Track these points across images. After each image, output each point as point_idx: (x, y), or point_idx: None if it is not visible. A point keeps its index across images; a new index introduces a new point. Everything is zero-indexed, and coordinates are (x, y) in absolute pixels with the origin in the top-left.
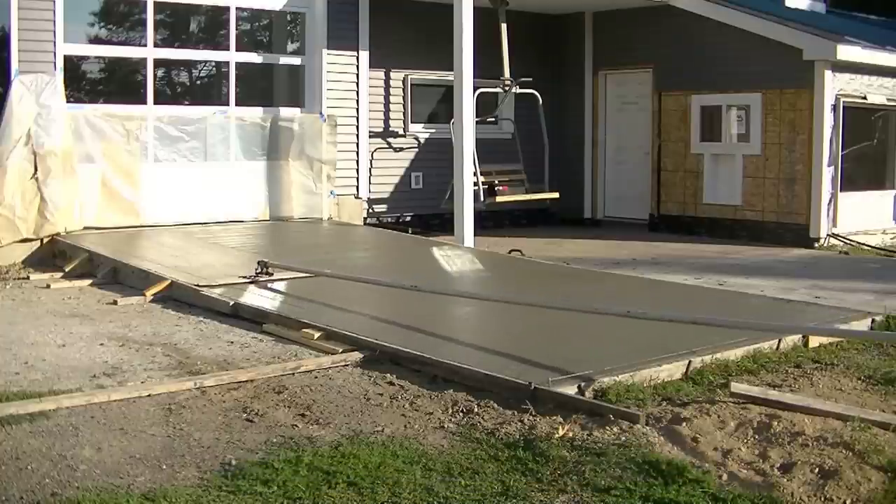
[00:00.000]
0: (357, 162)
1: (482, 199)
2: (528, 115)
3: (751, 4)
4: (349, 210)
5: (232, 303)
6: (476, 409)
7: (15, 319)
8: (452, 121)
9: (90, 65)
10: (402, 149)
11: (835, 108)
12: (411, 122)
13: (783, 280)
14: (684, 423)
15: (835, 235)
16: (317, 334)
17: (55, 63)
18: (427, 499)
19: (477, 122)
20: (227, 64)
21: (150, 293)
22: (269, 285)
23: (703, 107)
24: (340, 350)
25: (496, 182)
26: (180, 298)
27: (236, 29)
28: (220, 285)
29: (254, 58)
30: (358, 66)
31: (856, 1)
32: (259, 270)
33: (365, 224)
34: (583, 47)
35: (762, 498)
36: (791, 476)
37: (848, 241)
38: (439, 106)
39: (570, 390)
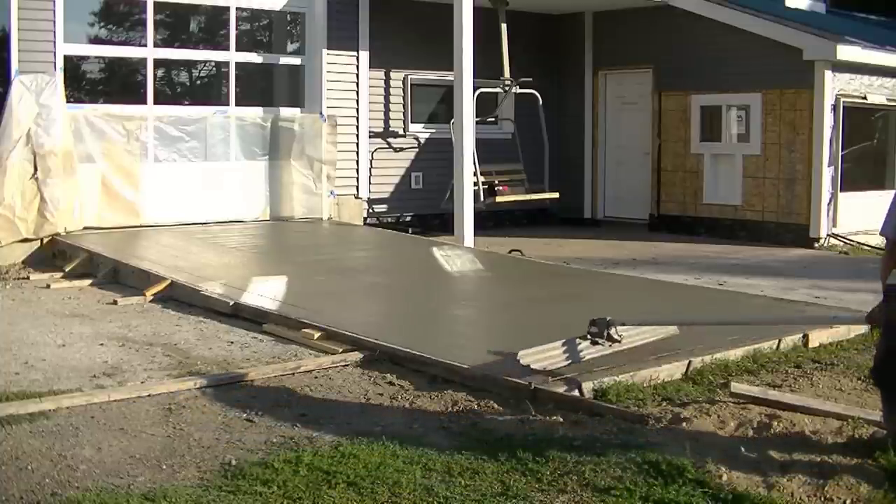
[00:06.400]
0: (357, 162)
1: (482, 199)
2: (528, 115)
3: (751, 4)
4: (349, 210)
5: (232, 303)
6: (476, 409)
7: (15, 319)
8: (452, 121)
9: (90, 65)
10: (402, 149)
11: (835, 108)
12: (411, 122)
13: (783, 280)
14: (684, 423)
15: (835, 235)
16: (317, 334)
17: (55, 63)
18: (427, 499)
19: (477, 122)
20: (227, 64)
21: (150, 293)
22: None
23: (703, 107)
24: (340, 350)
25: (496, 182)
26: (180, 298)
27: (236, 29)
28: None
29: (254, 58)
30: (358, 66)
31: (856, 1)
32: (596, 332)
33: (365, 224)
34: (583, 47)
35: (762, 498)
36: (791, 476)
37: (848, 241)
38: (439, 106)
39: (571, 390)
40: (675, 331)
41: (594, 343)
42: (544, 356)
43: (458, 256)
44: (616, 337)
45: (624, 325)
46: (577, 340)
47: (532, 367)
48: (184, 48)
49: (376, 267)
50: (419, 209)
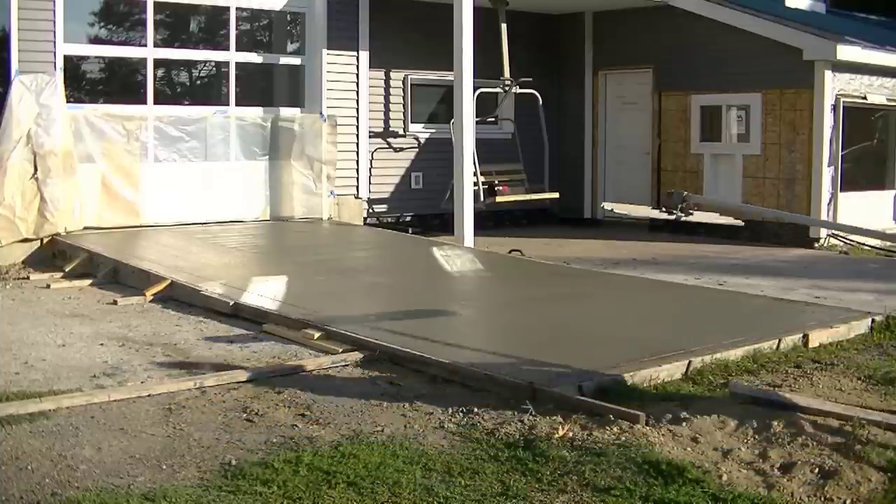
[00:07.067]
0: (357, 162)
1: (482, 199)
2: (528, 115)
3: (751, 4)
4: (349, 210)
5: (232, 303)
6: (476, 409)
7: (15, 319)
8: (452, 121)
9: (90, 65)
10: (402, 149)
11: (835, 108)
12: (411, 122)
13: (783, 280)
14: (684, 423)
15: (835, 235)
16: (317, 334)
17: (55, 63)
18: (427, 499)
19: (477, 122)
20: (227, 64)
21: (150, 293)
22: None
23: (703, 107)
24: (340, 350)
25: (496, 182)
26: (180, 298)
27: (236, 29)
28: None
29: (254, 58)
30: (358, 66)
31: (856, 1)
32: (670, 204)
33: (365, 224)
34: (583, 47)
35: (762, 498)
36: (791, 476)
37: (848, 242)
38: (439, 106)
39: (571, 390)
40: (740, 223)
41: (669, 213)
42: (624, 207)
43: (458, 256)
44: (690, 211)
45: (698, 204)
46: (653, 208)
47: (615, 210)
48: (184, 48)
49: (376, 267)
50: (419, 209)
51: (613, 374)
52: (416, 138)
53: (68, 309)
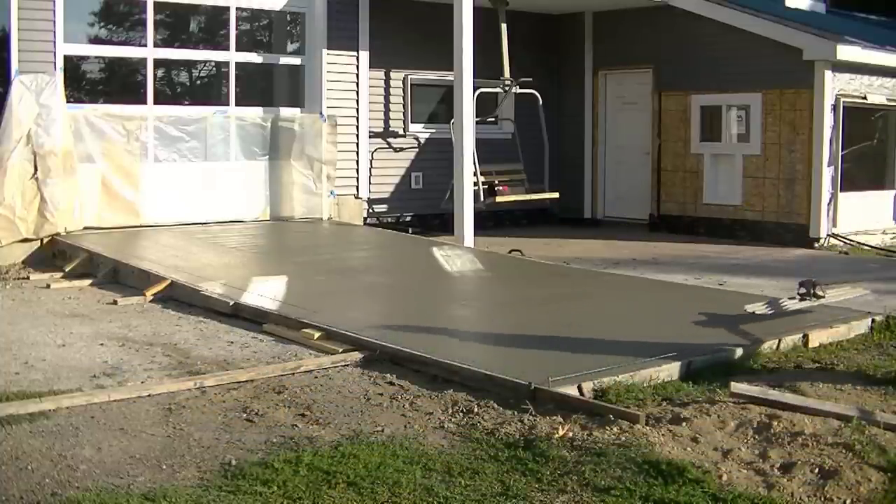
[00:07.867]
0: (357, 162)
1: (482, 199)
2: (528, 115)
3: (751, 4)
4: (349, 210)
5: (232, 303)
6: (476, 409)
7: (15, 319)
8: (452, 121)
9: (90, 65)
10: (402, 149)
11: (835, 108)
12: (411, 122)
13: (783, 280)
14: (684, 423)
15: (835, 235)
16: (317, 334)
17: (55, 63)
18: (427, 499)
19: (477, 122)
20: (227, 64)
21: (150, 293)
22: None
23: (703, 107)
24: (340, 350)
25: (496, 182)
26: (180, 298)
27: (236, 29)
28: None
29: (254, 58)
30: (358, 66)
31: (856, 1)
32: (804, 291)
33: (365, 224)
34: (583, 47)
35: (762, 498)
36: (791, 476)
37: (848, 241)
38: (439, 106)
39: (570, 390)
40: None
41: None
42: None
43: (458, 256)
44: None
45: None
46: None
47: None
48: (184, 48)
49: (376, 267)
50: (419, 209)
51: (613, 373)
52: (416, 138)
53: (68, 309)
